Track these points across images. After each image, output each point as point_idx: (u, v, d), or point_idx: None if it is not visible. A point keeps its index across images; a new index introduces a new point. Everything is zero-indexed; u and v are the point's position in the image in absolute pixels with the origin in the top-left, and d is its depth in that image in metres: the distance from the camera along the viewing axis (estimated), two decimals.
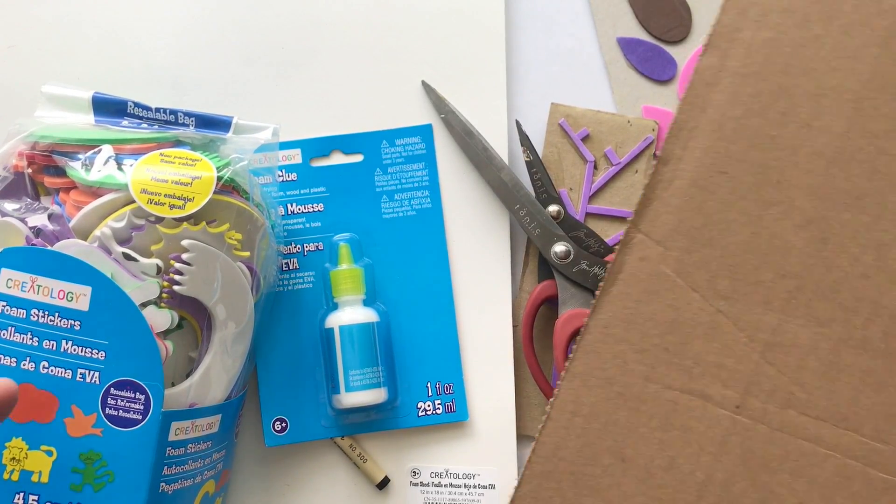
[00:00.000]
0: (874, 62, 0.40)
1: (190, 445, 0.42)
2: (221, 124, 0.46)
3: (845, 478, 0.40)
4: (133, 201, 0.41)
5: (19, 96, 0.51)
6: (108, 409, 0.39)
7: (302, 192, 0.51)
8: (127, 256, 0.40)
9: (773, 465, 0.41)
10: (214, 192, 0.41)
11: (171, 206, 0.41)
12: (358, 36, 0.52)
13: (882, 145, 0.40)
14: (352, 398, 0.47)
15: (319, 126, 0.52)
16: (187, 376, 0.42)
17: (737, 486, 0.41)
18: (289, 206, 0.51)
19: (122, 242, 0.41)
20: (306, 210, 0.51)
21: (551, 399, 0.43)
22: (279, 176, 0.51)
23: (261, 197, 0.46)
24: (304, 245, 0.51)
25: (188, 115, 0.46)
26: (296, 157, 0.51)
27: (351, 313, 0.48)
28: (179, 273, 0.41)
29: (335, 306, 0.49)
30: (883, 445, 0.40)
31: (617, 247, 0.43)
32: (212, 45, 0.52)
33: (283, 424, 0.49)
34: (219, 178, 0.42)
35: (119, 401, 0.39)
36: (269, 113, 0.52)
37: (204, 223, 0.42)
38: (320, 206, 0.51)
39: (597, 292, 0.43)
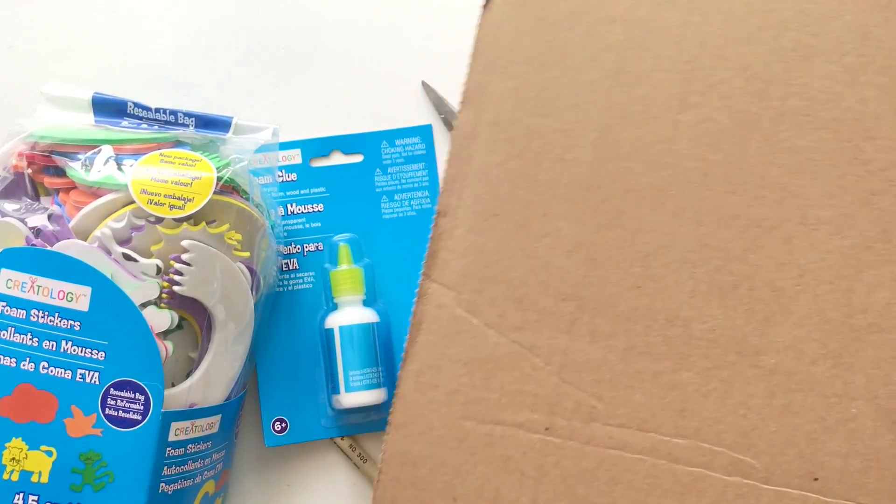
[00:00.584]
0: (608, 92, 0.42)
1: (190, 446, 0.40)
2: (221, 125, 0.44)
3: (655, 477, 0.41)
4: (133, 202, 0.40)
5: (19, 96, 0.50)
6: (107, 409, 0.38)
7: (302, 192, 0.50)
8: (127, 257, 0.39)
9: (590, 477, 0.41)
10: (214, 193, 0.40)
11: (171, 207, 0.40)
12: (358, 36, 0.51)
13: (628, 165, 0.42)
14: (352, 398, 0.46)
15: (319, 126, 0.50)
16: (187, 376, 0.41)
17: None
18: (289, 206, 0.50)
19: (121, 243, 0.40)
20: (306, 210, 0.50)
21: (380, 454, 0.43)
22: (279, 176, 0.50)
23: (261, 197, 0.45)
24: (304, 245, 0.49)
25: (188, 115, 0.44)
26: (296, 157, 0.50)
27: (351, 313, 0.47)
28: (179, 273, 0.39)
29: (335, 306, 0.47)
30: (683, 441, 0.41)
31: (414, 300, 0.44)
32: (212, 45, 0.51)
33: (283, 425, 0.48)
34: (219, 179, 0.40)
35: (119, 401, 0.38)
36: (269, 113, 0.51)
37: (204, 223, 0.41)
38: (320, 207, 0.50)
39: (405, 345, 0.43)
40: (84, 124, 0.44)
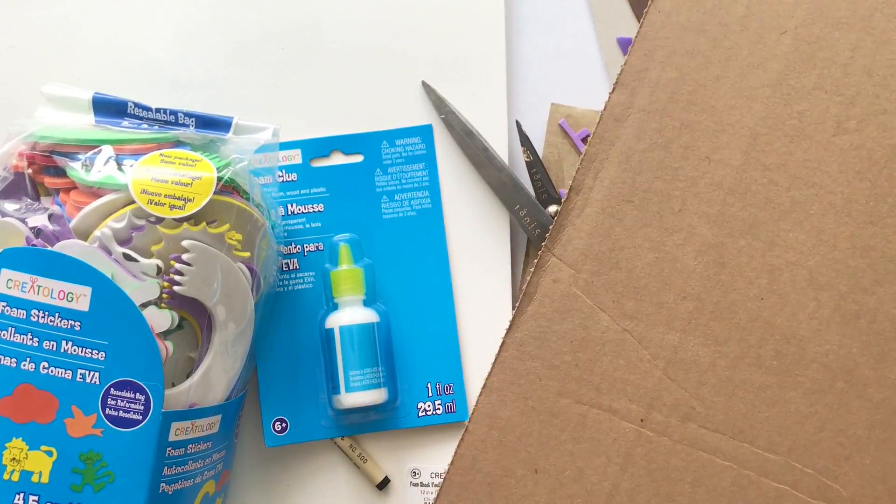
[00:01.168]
0: (767, 101, 0.40)
1: (190, 446, 0.39)
2: (221, 125, 0.43)
3: (741, 487, 0.39)
4: (133, 202, 0.38)
5: (19, 96, 0.48)
6: (108, 409, 0.37)
7: (302, 192, 0.48)
8: (127, 257, 0.38)
9: (675, 475, 0.40)
10: (215, 193, 0.39)
11: (172, 207, 0.38)
12: (358, 36, 0.49)
13: (774, 177, 0.40)
14: (352, 398, 0.44)
15: (319, 126, 0.48)
16: (187, 377, 0.40)
17: (641, 495, 0.40)
18: (289, 206, 0.48)
19: (122, 243, 0.38)
20: (306, 210, 0.48)
21: (470, 413, 0.42)
22: (279, 176, 0.48)
23: (261, 197, 0.43)
24: (304, 245, 0.48)
25: (188, 115, 0.43)
26: (296, 157, 0.48)
27: (351, 314, 0.45)
28: (180, 273, 0.38)
29: (335, 306, 0.46)
30: (775, 456, 0.39)
31: (531, 269, 0.42)
32: (212, 45, 0.49)
33: (284, 425, 0.46)
34: (219, 179, 0.39)
35: (119, 401, 0.37)
36: (269, 113, 0.49)
37: (204, 223, 0.39)
38: (320, 207, 0.48)
39: (513, 311, 0.42)
40: (84, 124, 0.43)
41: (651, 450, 0.40)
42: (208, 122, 0.43)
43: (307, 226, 0.48)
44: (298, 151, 0.48)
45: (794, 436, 0.39)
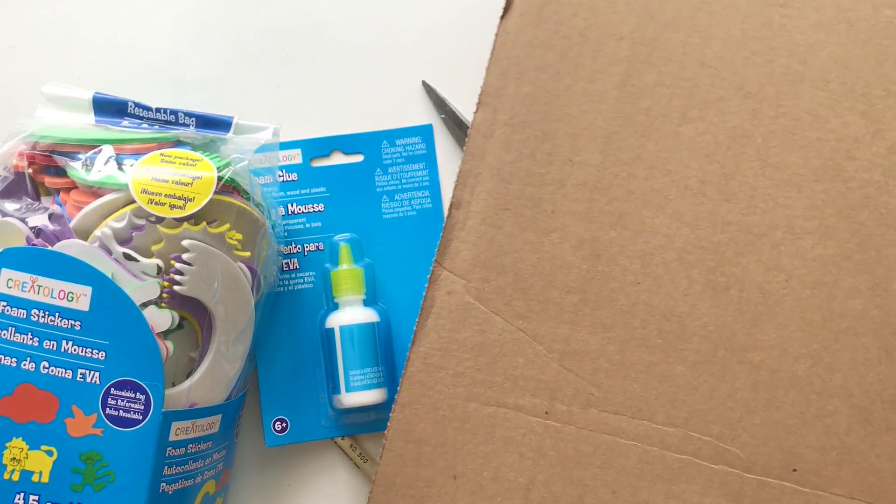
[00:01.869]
0: (615, 102, 0.42)
1: (190, 445, 0.38)
2: (222, 124, 0.41)
3: (647, 463, 0.40)
4: (133, 201, 0.37)
5: (19, 96, 0.46)
6: (108, 409, 0.35)
7: (302, 192, 0.46)
8: (127, 256, 0.36)
9: (585, 460, 0.40)
10: (215, 193, 0.37)
11: (172, 207, 0.37)
12: (358, 36, 0.47)
13: (632, 170, 0.41)
14: (352, 398, 0.43)
15: (319, 126, 0.47)
16: (188, 377, 0.38)
17: (556, 484, 0.40)
18: (289, 206, 0.46)
19: (122, 242, 0.37)
20: (306, 210, 0.46)
21: (386, 431, 0.41)
22: (279, 176, 0.46)
23: (261, 197, 0.41)
24: (305, 245, 0.46)
25: (188, 115, 0.41)
26: (296, 157, 0.46)
27: (351, 313, 0.44)
28: (180, 273, 0.37)
29: (335, 306, 0.44)
30: (673, 429, 0.40)
31: (426, 285, 0.42)
32: (212, 45, 0.48)
33: (284, 424, 0.45)
34: (219, 179, 0.37)
35: (119, 401, 0.35)
36: (270, 113, 0.47)
37: (205, 223, 0.38)
38: (321, 207, 0.46)
39: (415, 327, 0.42)
40: (84, 124, 0.41)
41: (559, 440, 0.40)
42: (208, 122, 0.41)
43: (307, 225, 0.46)
44: (299, 151, 0.47)
45: (687, 407, 0.40)
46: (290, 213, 0.47)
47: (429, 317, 0.41)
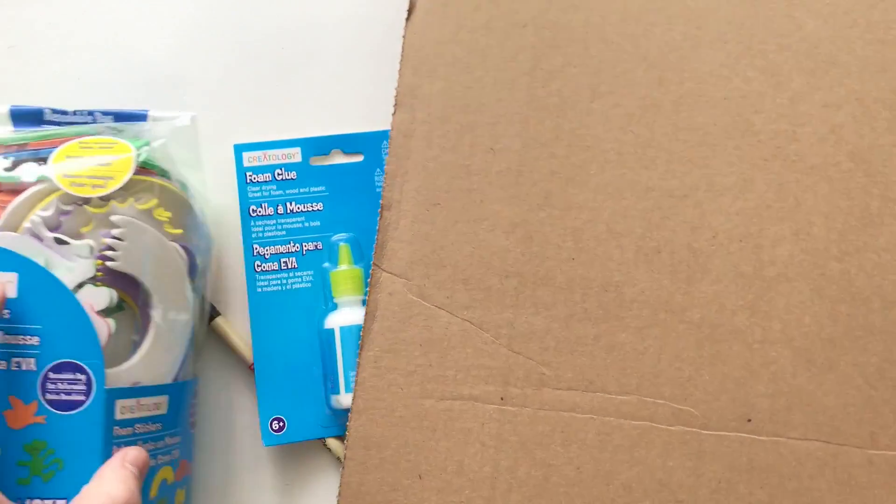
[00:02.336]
0: (528, 87, 0.42)
1: (138, 425, 0.36)
2: (139, 117, 0.41)
3: (606, 434, 0.39)
4: (58, 190, 0.36)
5: (19, 96, 0.44)
6: (48, 394, 0.33)
7: (301, 191, 0.45)
8: (58, 241, 0.36)
9: (545, 440, 0.39)
10: (135, 172, 0.37)
11: (94, 187, 0.37)
12: (358, 36, 0.46)
13: (552, 150, 0.41)
14: (351, 399, 0.40)
15: (319, 126, 0.46)
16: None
17: (521, 469, 0.39)
18: (288, 204, 0.44)
19: (52, 229, 0.36)
20: (305, 209, 0.45)
21: (345, 441, 0.40)
22: (278, 174, 0.45)
23: (184, 183, 0.41)
24: (303, 244, 0.44)
25: (105, 113, 0.41)
26: (295, 155, 0.45)
27: (351, 314, 0.42)
28: (112, 249, 0.36)
29: (335, 306, 0.43)
30: (627, 397, 0.39)
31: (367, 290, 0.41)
32: (212, 45, 0.46)
33: (281, 424, 0.43)
34: (137, 158, 0.37)
35: (59, 384, 0.34)
36: (270, 112, 0.46)
37: (132, 199, 0.37)
38: (319, 206, 0.45)
39: (361, 333, 0.41)
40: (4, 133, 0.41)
41: (517, 423, 0.39)
42: (126, 117, 0.41)
43: (306, 225, 0.45)
44: (298, 150, 0.45)
45: (637, 373, 0.39)
46: (288, 211, 0.46)
47: (374, 320, 0.40)
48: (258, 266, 0.45)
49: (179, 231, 0.39)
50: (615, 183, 0.40)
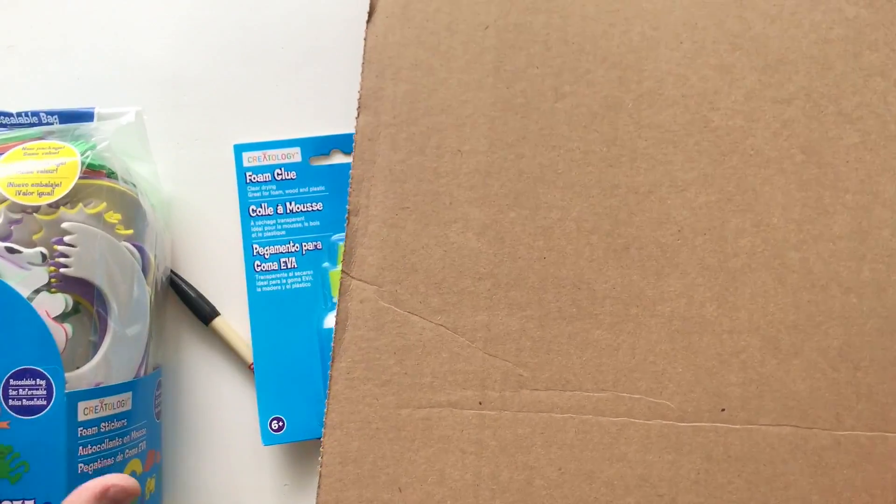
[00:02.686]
0: (492, 89, 0.41)
1: (103, 424, 0.37)
2: (84, 116, 0.40)
3: (585, 432, 0.38)
4: (5, 200, 0.36)
5: (19, 96, 0.43)
6: (10, 400, 0.34)
7: (301, 190, 0.44)
8: (10, 250, 0.35)
9: (526, 443, 0.38)
10: (82, 176, 0.36)
11: (40, 194, 0.36)
12: (358, 35, 0.43)
13: (519, 151, 0.40)
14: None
15: (319, 125, 0.45)
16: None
17: (503, 474, 0.38)
18: (287, 204, 0.44)
19: (3, 239, 0.36)
20: (305, 209, 0.44)
21: (320, 457, 0.38)
22: (278, 174, 0.44)
23: (133, 181, 0.39)
24: (303, 244, 0.43)
25: (50, 113, 0.40)
26: (295, 155, 0.44)
27: None
28: (65, 255, 0.35)
29: (334, 306, 0.41)
30: (604, 394, 0.38)
31: (336, 298, 0.39)
32: (212, 45, 0.45)
33: (280, 424, 0.42)
34: (83, 162, 0.36)
35: (21, 390, 0.34)
36: (269, 112, 0.44)
37: (80, 205, 0.36)
38: (319, 206, 0.44)
39: (332, 344, 0.39)
40: None
41: (497, 428, 0.38)
42: (72, 116, 0.41)
43: (306, 224, 0.44)
44: (298, 150, 0.44)
45: (613, 369, 0.39)
46: (288, 211, 0.45)
47: (345, 330, 0.39)
48: (258, 266, 0.44)
49: (130, 231, 0.39)
50: (582, 181, 0.40)
